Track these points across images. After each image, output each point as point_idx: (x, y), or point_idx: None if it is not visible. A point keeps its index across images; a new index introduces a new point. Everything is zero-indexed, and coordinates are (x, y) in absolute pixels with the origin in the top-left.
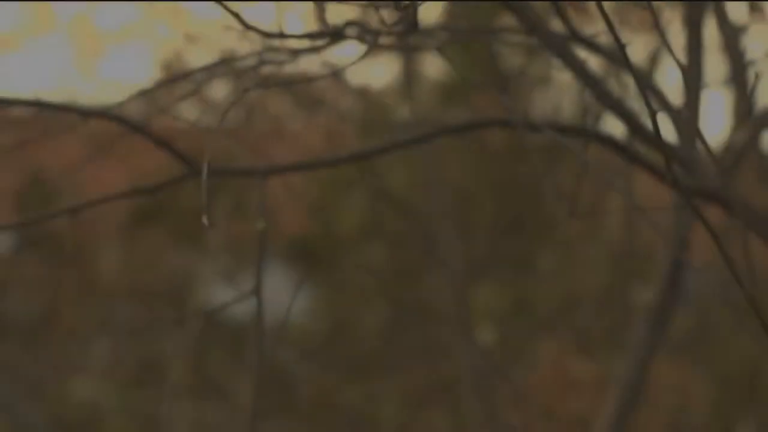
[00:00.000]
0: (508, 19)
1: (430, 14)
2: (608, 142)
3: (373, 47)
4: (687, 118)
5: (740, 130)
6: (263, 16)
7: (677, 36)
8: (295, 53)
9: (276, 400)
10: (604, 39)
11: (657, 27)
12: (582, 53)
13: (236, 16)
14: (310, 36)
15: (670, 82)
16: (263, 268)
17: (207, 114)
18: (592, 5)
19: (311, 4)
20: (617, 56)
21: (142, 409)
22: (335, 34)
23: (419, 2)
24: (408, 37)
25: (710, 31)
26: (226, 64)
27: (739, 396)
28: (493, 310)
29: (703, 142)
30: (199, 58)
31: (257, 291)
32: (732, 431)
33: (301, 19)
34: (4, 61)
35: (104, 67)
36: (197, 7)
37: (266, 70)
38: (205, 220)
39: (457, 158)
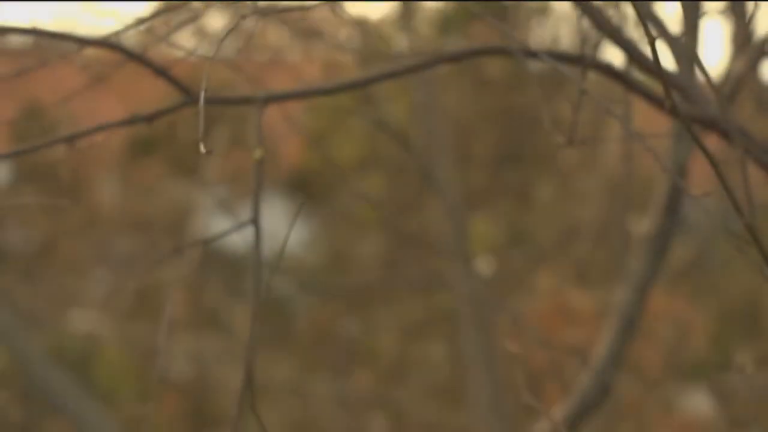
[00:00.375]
0: None
1: None
2: (607, 70)
3: None
4: (686, 46)
5: (739, 59)
6: None
7: None
8: None
9: (274, 331)
10: None
11: None
12: None
13: None
14: None
15: (668, 10)
16: (261, 196)
17: (204, 43)
18: None
19: None
20: None
21: (139, 339)
22: None
23: None
24: None
25: None
26: None
27: (738, 326)
28: (492, 240)
29: (702, 70)
30: None
31: (255, 220)
32: (730, 360)
33: None
34: None
35: None
36: None
37: None
38: (202, 147)
39: (455, 88)
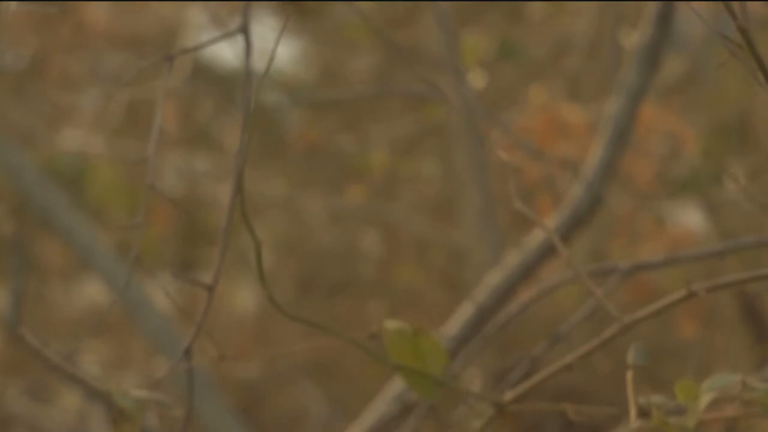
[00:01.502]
0: None
1: None
2: None
3: None
4: None
5: None
6: None
7: None
8: None
9: (264, 147)
10: None
11: None
12: None
13: None
14: None
15: None
16: (250, 3)
17: None
18: None
19: None
20: None
21: (130, 157)
22: None
23: None
24: None
25: None
26: None
27: (731, 137)
28: (483, 54)
29: None
30: None
31: (245, 28)
32: (723, 172)
33: None
34: None
35: None
36: None
37: None
38: None
39: None
